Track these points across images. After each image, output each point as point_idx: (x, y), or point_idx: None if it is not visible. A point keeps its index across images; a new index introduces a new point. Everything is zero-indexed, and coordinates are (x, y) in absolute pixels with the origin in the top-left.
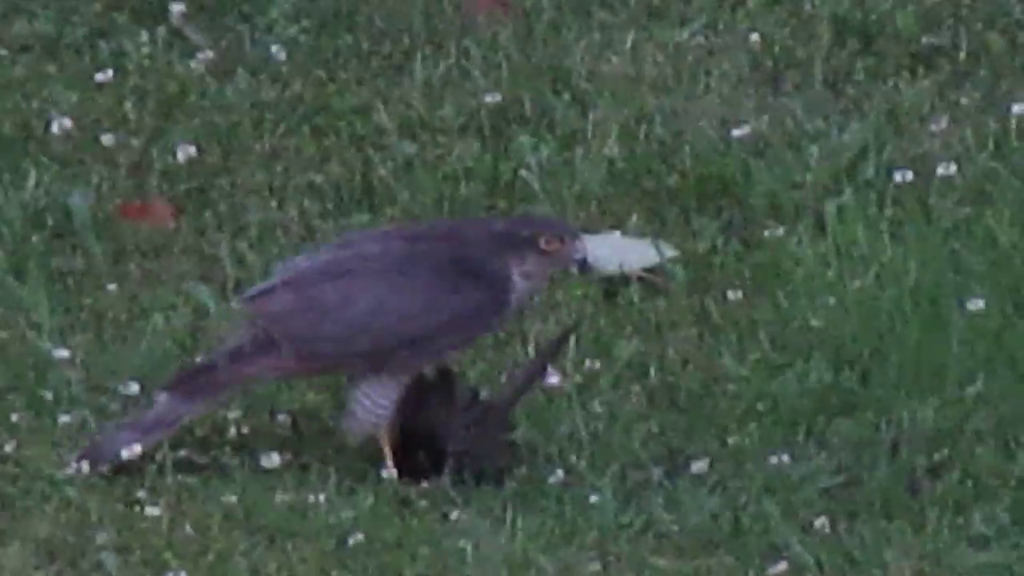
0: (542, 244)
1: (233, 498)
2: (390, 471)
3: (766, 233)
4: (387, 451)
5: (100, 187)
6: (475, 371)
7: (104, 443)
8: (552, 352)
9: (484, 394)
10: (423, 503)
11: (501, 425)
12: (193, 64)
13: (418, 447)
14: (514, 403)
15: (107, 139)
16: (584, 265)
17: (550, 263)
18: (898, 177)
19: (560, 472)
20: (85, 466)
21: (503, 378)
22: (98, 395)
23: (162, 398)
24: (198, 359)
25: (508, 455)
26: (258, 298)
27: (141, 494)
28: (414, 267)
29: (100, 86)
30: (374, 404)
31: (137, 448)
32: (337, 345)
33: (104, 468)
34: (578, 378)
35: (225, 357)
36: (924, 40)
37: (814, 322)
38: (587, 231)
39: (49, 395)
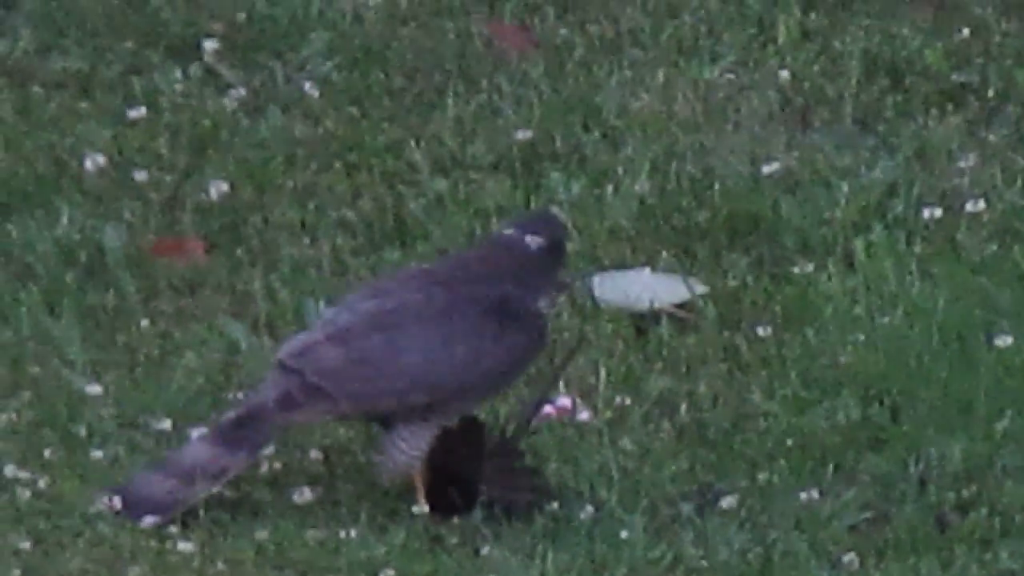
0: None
1: (265, 534)
2: (422, 507)
3: (795, 269)
4: (420, 488)
5: (133, 224)
6: (505, 405)
7: (142, 490)
8: (558, 373)
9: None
10: (454, 539)
11: (514, 453)
12: (226, 101)
13: (449, 484)
14: (524, 430)
15: (140, 176)
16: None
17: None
18: (927, 214)
19: (590, 508)
20: (122, 514)
21: (510, 408)
22: (131, 431)
23: (204, 446)
24: (237, 405)
25: (527, 483)
26: (305, 354)
27: (173, 529)
28: (460, 315)
29: (133, 123)
30: (410, 447)
31: (179, 507)
32: (393, 398)
33: (145, 522)
34: (608, 414)
35: (275, 405)
36: (953, 77)
37: (843, 358)
38: (618, 267)
39: (82, 431)
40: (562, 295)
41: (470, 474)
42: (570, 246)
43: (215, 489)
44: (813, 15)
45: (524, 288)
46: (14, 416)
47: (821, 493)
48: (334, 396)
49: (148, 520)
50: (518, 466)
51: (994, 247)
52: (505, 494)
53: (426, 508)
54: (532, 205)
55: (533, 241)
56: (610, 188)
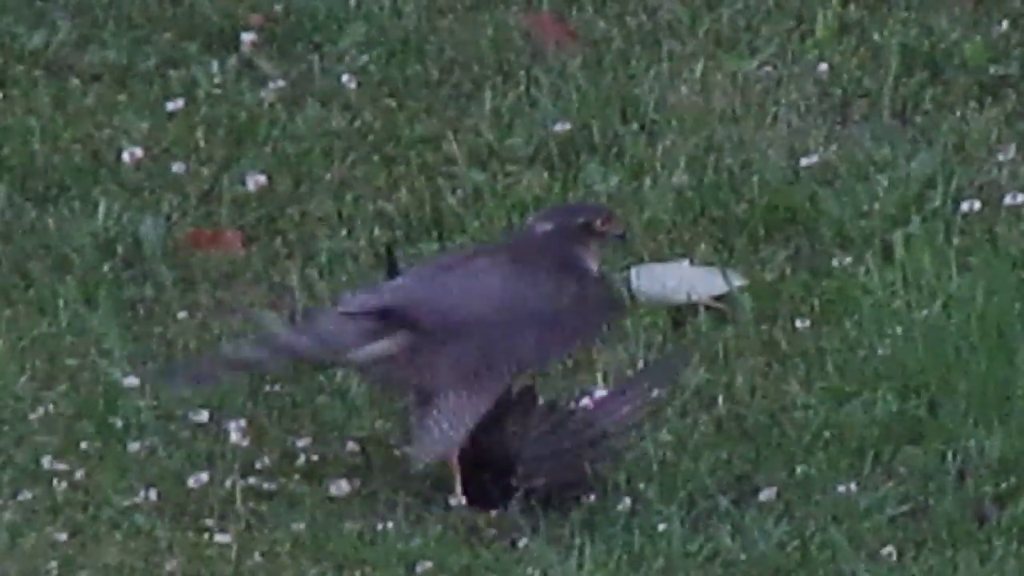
0: (598, 226)
1: (302, 526)
2: (459, 498)
3: (834, 262)
4: (457, 476)
5: (170, 216)
6: (544, 398)
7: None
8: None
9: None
10: (491, 531)
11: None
12: (263, 93)
13: (488, 471)
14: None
15: (177, 168)
16: (623, 236)
17: (604, 243)
18: (965, 207)
19: (628, 500)
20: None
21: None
22: (168, 423)
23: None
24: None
25: (569, 468)
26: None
27: (210, 522)
28: (528, 267)
29: (171, 115)
30: (451, 427)
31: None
32: (470, 315)
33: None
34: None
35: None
36: (992, 70)
37: (881, 351)
38: (656, 260)
39: (119, 423)
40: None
41: (513, 450)
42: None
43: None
44: (851, 7)
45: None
46: (51, 408)
47: (859, 486)
48: (415, 317)
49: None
50: (574, 441)
51: None
52: (544, 481)
53: (463, 499)
54: (569, 198)
55: (542, 226)
56: (648, 180)
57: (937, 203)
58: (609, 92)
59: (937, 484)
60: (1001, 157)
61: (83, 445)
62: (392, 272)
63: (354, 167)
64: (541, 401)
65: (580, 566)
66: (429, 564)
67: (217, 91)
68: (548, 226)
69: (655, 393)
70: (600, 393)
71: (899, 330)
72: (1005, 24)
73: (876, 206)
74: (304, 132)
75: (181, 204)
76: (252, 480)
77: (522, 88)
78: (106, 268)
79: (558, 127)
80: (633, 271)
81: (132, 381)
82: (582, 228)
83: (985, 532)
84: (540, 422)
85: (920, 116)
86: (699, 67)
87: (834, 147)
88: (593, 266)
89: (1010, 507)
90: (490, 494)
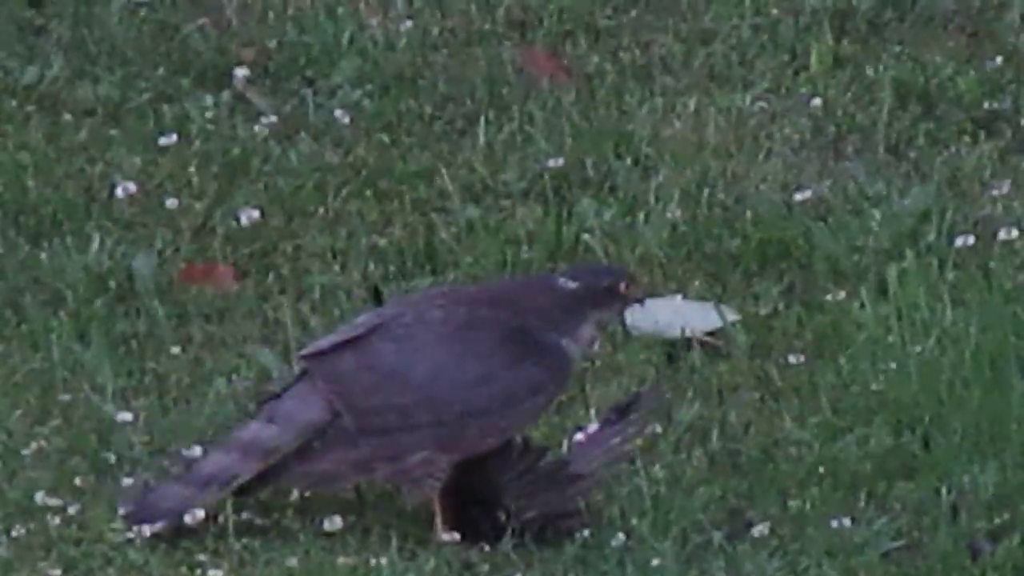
0: (621, 289)
1: (295, 561)
2: (440, 535)
3: (828, 297)
4: (438, 514)
5: (163, 251)
6: (536, 435)
7: (155, 499)
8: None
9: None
10: (485, 567)
11: (543, 471)
12: (256, 128)
13: (475, 506)
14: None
15: (170, 203)
16: (642, 302)
17: (621, 307)
18: (959, 241)
19: (621, 535)
20: (136, 528)
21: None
22: (161, 458)
23: (217, 457)
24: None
25: (558, 503)
26: (319, 358)
27: (203, 557)
28: (476, 335)
29: (163, 150)
30: (426, 472)
31: (199, 513)
32: (399, 417)
33: (156, 527)
34: (640, 441)
35: (293, 459)
36: (986, 105)
37: (875, 386)
38: (650, 295)
39: (112, 458)
40: (595, 342)
41: (496, 485)
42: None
43: (219, 497)
44: (845, 42)
45: (549, 325)
46: (44, 443)
47: (853, 521)
48: (340, 410)
49: (146, 528)
50: (551, 483)
51: None
52: (535, 514)
53: (445, 536)
54: (563, 232)
55: (566, 283)
56: (641, 215)
57: (931, 238)
58: (603, 127)
59: (931, 519)
60: (995, 192)
61: (76, 480)
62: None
63: (347, 202)
64: (517, 439)
65: None
66: None
67: (210, 126)
68: (572, 285)
69: (631, 431)
70: (592, 428)
71: (893, 365)
72: (999, 59)
73: (870, 241)
74: (297, 167)
75: (174, 239)
76: (245, 515)
77: (516, 123)
78: (99, 303)
79: (552, 162)
80: None
81: (125, 416)
82: (606, 291)
83: (979, 567)
84: (519, 460)
85: (914, 151)
86: (692, 102)
87: (828, 182)
88: (585, 331)
89: (1004, 542)
90: (481, 529)
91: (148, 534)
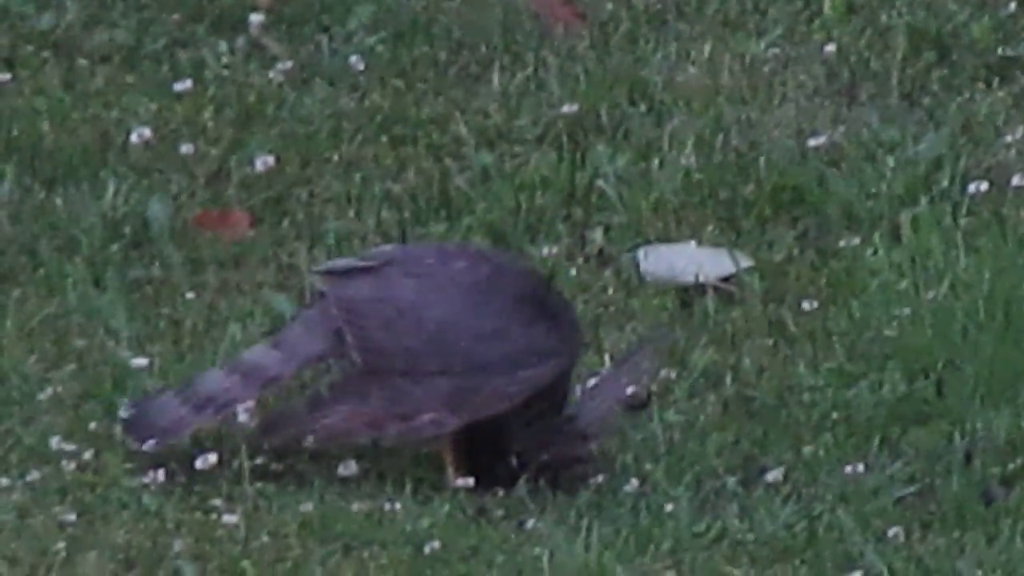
0: None
1: (310, 506)
2: (454, 481)
3: (841, 243)
4: (449, 460)
5: (178, 197)
6: None
7: (152, 412)
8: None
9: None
10: (499, 512)
11: (577, 440)
12: (271, 74)
13: (486, 451)
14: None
15: (185, 149)
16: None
17: None
18: (973, 188)
19: (635, 481)
20: (131, 443)
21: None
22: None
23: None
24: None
25: (571, 449)
26: (334, 278)
27: (218, 502)
28: (495, 291)
29: (179, 96)
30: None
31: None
32: (406, 362)
33: (149, 445)
34: (654, 387)
35: (303, 410)
36: (1000, 51)
37: (888, 332)
38: (663, 241)
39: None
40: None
41: (505, 441)
42: (617, 221)
43: (215, 421)
44: None
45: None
46: (59, 389)
47: (866, 467)
48: (349, 342)
49: (149, 443)
50: (559, 433)
51: None
52: (547, 459)
53: (459, 481)
54: (577, 179)
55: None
56: (655, 162)
57: (945, 184)
58: (617, 73)
59: (944, 465)
60: (1009, 138)
61: (91, 426)
62: None
63: (362, 148)
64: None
65: (587, 547)
66: (437, 544)
67: (225, 72)
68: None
69: (639, 374)
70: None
71: (906, 311)
72: (1013, 5)
73: (884, 187)
74: (312, 113)
75: (189, 185)
76: (260, 461)
77: (530, 69)
78: (114, 249)
79: (566, 108)
80: (641, 252)
81: (140, 361)
82: None
83: (992, 513)
84: (527, 409)
85: (928, 97)
86: (707, 48)
87: (841, 128)
88: None
89: (1017, 488)
90: (496, 475)
91: (142, 448)
